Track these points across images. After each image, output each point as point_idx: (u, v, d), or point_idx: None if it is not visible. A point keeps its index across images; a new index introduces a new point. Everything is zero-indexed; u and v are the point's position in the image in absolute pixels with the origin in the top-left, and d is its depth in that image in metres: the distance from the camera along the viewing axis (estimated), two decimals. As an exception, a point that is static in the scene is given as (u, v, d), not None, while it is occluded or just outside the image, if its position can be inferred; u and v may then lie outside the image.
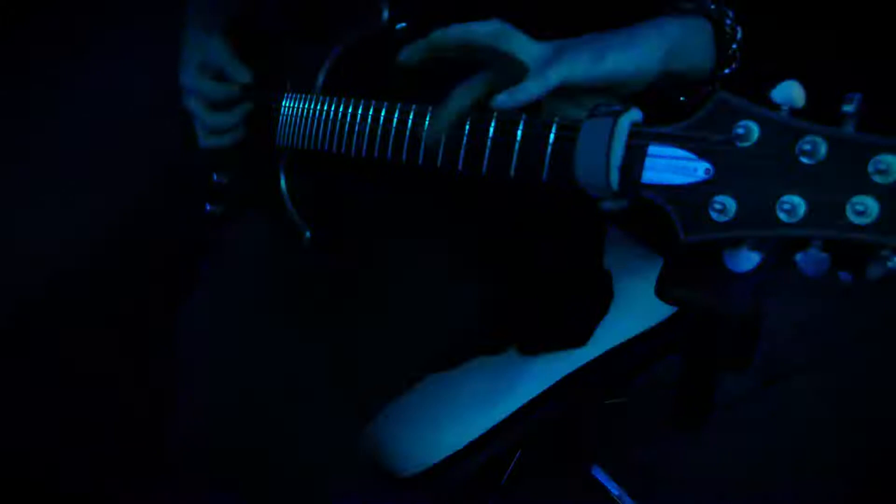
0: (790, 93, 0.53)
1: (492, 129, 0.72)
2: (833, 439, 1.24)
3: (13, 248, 1.18)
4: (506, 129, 0.70)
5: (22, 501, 1.07)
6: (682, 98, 0.74)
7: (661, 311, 1.09)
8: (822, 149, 0.50)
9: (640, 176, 0.59)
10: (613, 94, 0.69)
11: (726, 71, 0.72)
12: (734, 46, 0.72)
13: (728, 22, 0.72)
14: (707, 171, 0.55)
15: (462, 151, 0.74)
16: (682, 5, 0.73)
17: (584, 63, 0.68)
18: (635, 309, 1.07)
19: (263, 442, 1.03)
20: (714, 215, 0.55)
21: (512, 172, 0.70)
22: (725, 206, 0.54)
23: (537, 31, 0.73)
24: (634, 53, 0.68)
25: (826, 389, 1.25)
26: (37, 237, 1.21)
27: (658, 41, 0.69)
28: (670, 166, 0.57)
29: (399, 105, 0.83)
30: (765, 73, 0.58)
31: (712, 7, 0.72)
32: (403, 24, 0.97)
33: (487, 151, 0.72)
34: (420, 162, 0.80)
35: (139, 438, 1.05)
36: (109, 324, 1.12)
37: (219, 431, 1.03)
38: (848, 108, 0.51)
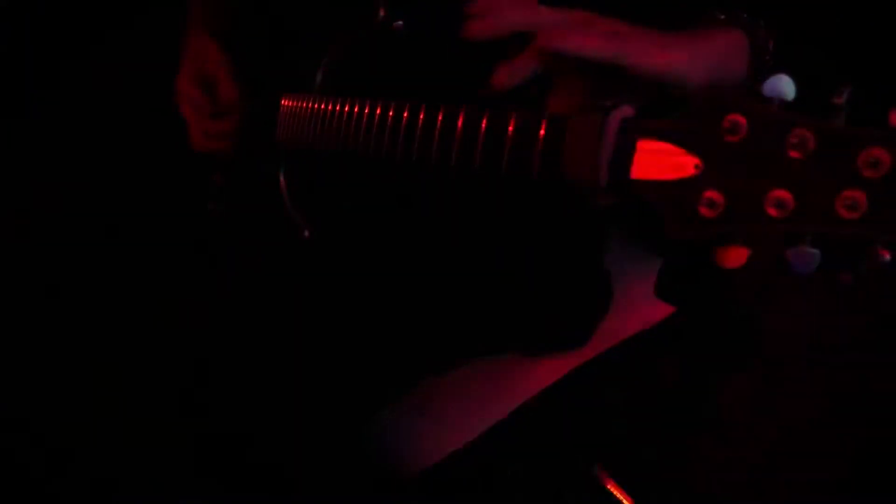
0: (780, 86, 0.53)
1: (483, 123, 0.72)
2: (832, 440, 1.23)
3: (13, 247, 1.19)
4: (497, 123, 0.70)
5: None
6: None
7: (660, 311, 1.09)
8: (811, 142, 0.50)
9: (628, 171, 0.58)
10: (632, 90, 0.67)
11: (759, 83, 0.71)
12: (766, 60, 0.71)
13: (761, 35, 0.71)
14: (696, 166, 0.55)
15: (455, 146, 0.74)
16: (716, 17, 0.73)
17: (645, 48, 0.66)
18: (635, 309, 1.07)
19: (263, 443, 1.03)
20: (703, 211, 0.54)
21: (504, 168, 0.70)
22: (714, 201, 0.54)
23: None
24: (687, 58, 0.67)
25: (826, 390, 1.25)
26: (37, 236, 1.21)
27: (708, 50, 0.69)
28: (659, 161, 0.57)
29: (395, 102, 0.83)
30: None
31: (745, 18, 0.72)
32: (400, 23, 0.97)
33: (479, 146, 0.72)
34: (415, 158, 0.80)
35: (137, 438, 1.05)
36: (108, 323, 1.12)
37: (217, 433, 1.03)
38: (838, 100, 0.50)
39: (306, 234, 1.05)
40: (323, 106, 0.95)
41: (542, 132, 0.66)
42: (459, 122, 0.73)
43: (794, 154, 0.51)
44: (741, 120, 0.53)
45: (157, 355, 1.11)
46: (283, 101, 1.05)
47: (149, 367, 1.10)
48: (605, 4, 0.75)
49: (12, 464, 1.02)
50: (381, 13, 0.97)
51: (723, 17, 0.73)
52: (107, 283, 1.16)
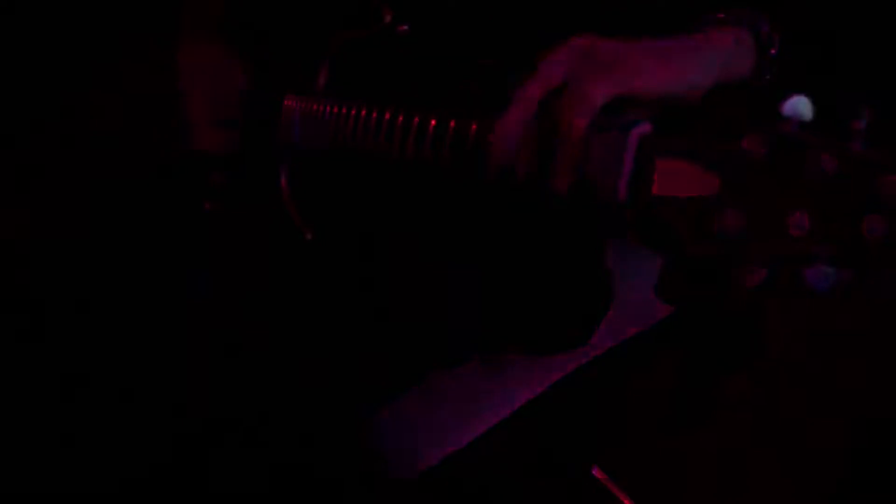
0: (799, 108, 0.53)
1: None
2: (832, 440, 1.24)
3: (12, 247, 1.18)
4: None
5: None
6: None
7: (660, 311, 1.09)
8: (831, 165, 0.50)
9: (649, 189, 0.59)
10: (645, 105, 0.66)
11: (766, 77, 0.71)
12: (772, 54, 0.71)
13: (765, 30, 0.71)
14: (715, 184, 0.55)
15: (466, 156, 0.74)
16: (715, 17, 0.73)
17: (649, 75, 0.64)
18: (635, 308, 1.07)
19: (263, 442, 1.03)
20: (722, 229, 0.54)
21: (519, 180, 0.70)
22: (734, 219, 0.54)
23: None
24: (693, 68, 0.66)
25: (826, 390, 1.26)
26: (36, 236, 1.20)
27: (712, 55, 0.68)
28: (679, 179, 0.57)
29: (400, 106, 0.83)
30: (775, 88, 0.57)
31: (747, 13, 0.71)
32: (405, 27, 0.97)
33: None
34: (428, 166, 0.79)
35: (136, 438, 1.05)
36: (108, 323, 1.12)
37: (217, 433, 1.03)
38: (857, 124, 0.50)
39: (308, 235, 1.05)
40: (325, 107, 0.95)
41: None
42: (471, 134, 0.73)
43: (813, 176, 0.51)
44: (760, 140, 0.53)
45: (156, 355, 1.10)
46: (285, 102, 1.04)
47: (148, 367, 1.10)
48: (605, 9, 0.75)
49: (11, 464, 1.02)
50: (388, 17, 0.96)
51: (721, 16, 0.73)
52: (106, 283, 1.15)
